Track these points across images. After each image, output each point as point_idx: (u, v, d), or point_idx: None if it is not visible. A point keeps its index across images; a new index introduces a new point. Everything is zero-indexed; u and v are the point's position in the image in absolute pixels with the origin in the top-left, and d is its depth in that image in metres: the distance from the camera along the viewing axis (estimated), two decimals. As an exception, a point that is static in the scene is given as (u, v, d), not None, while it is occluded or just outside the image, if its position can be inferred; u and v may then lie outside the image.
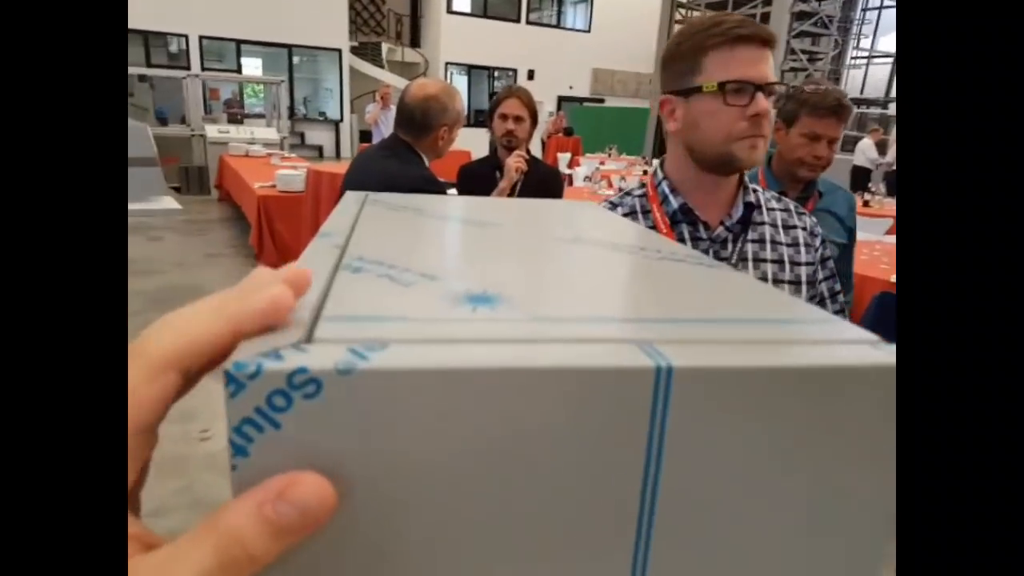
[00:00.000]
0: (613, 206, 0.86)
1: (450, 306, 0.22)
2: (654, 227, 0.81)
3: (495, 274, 0.27)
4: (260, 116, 9.36)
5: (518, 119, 1.76)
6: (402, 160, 1.46)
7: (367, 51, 12.47)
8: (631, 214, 0.84)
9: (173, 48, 10.30)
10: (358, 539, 0.17)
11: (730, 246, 0.82)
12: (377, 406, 0.16)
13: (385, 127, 6.08)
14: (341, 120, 11.98)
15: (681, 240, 0.80)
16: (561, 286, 0.27)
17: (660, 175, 0.84)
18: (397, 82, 9.49)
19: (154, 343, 0.18)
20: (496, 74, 13.54)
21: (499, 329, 0.20)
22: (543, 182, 1.82)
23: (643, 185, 0.86)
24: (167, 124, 7.94)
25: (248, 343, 0.17)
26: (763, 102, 0.73)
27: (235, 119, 8.61)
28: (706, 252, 0.80)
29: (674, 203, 0.81)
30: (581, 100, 13.73)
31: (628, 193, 0.87)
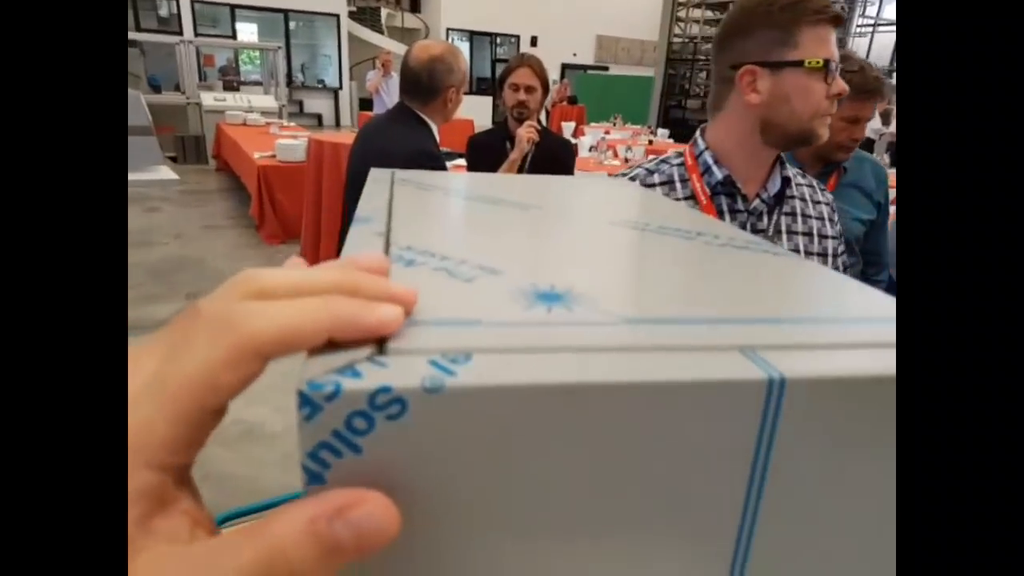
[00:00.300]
0: (649, 172, 0.84)
1: (522, 306, 0.20)
2: (692, 196, 0.80)
3: (557, 266, 0.25)
4: (257, 84, 9.17)
5: (529, 89, 1.71)
6: (410, 130, 1.42)
7: (366, 16, 12.18)
8: (668, 183, 0.83)
9: (163, 12, 10.03)
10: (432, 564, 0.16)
11: (766, 219, 0.81)
12: (470, 426, 0.15)
13: (387, 95, 5.96)
14: (340, 88, 11.76)
15: (720, 211, 0.79)
16: (630, 279, 0.25)
17: (702, 145, 0.82)
18: (397, 48, 9.29)
19: (248, 327, 0.15)
20: (499, 40, 13.27)
21: (585, 334, 0.18)
22: (554, 153, 1.78)
23: (680, 154, 0.85)
24: (160, 92, 7.79)
25: (316, 355, 0.15)
26: (842, 82, 0.75)
27: (231, 87, 8.44)
28: (743, 225, 0.79)
29: (718, 174, 0.80)
30: (585, 68, 13.48)
31: (665, 160, 0.85)
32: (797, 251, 0.81)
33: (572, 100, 8.59)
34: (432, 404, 0.14)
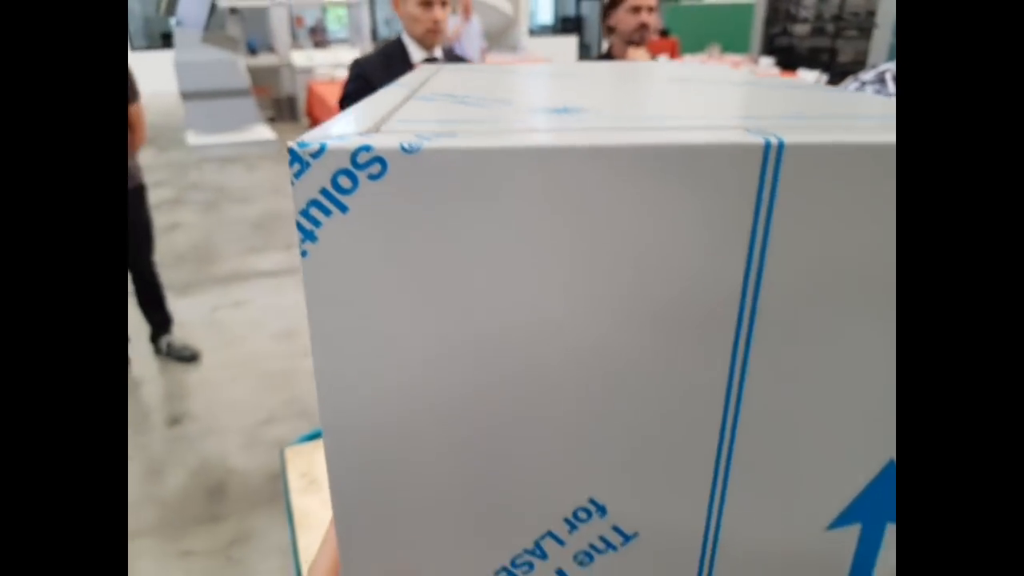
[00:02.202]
0: (863, 84, 0.81)
1: (526, 114, 0.20)
2: None
3: (579, 95, 0.25)
4: (344, 41, 9.38)
5: (651, 9, 1.62)
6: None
7: (446, -36, 11.99)
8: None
9: (259, -23, 10.41)
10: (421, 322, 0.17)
11: None
12: (448, 187, 0.15)
13: (467, 41, 5.91)
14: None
15: None
16: (653, 102, 0.25)
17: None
18: (477, -6, 9.12)
19: None
20: (581, -23, 12.68)
21: (583, 123, 0.18)
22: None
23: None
24: (256, 55, 8.15)
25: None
26: None
27: (321, 45, 8.70)
28: None
29: None
30: None
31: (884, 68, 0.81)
32: None
33: (664, 33, 8.12)
34: (410, 164, 0.15)
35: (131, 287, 2.07)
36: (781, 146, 0.15)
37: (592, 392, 0.18)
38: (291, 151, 0.15)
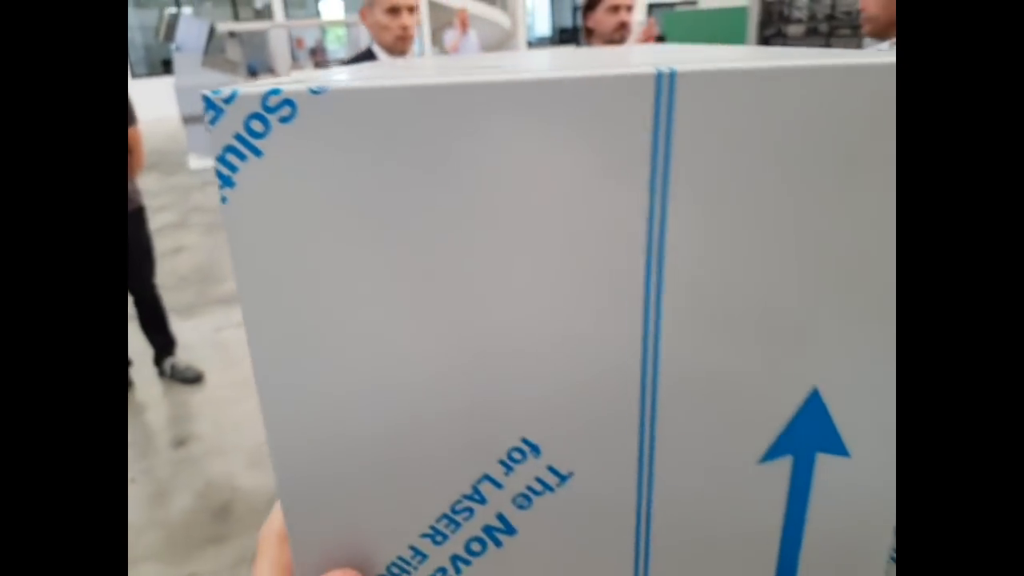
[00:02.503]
0: None
1: (440, 70, 0.20)
2: None
3: (502, 60, 0.25)
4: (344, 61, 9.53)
5: (630, 8, 1.62)
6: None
7: (441, -19, 12.15)
8: None
9: (258, 4, 10.58)
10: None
11: None
12: (357, 126, 0.16)
13: (465, 54, 5.97)
14: (422, 53, 11.93)
15: None
16: (571, 61, 0.25)
17: None
18: (474, 8, 9.23)
19: None
20: (575, -11, 12.81)
21: (489, 72, 0.18)
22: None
23: None
24: (257, 77, 8.27)
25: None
26: None
27: (321, 65, 8.82)
28: None
29: None
30: (672, 5, 12.76)
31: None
32: None
33: (660, 39, 8.20)
34: (319, 105, 0.16)
35: (134, 310, 2.09)
36: (673, 75, 0.16)
37: (515, 334, 0.18)
38: (205, 99, 0.16)
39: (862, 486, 0.20)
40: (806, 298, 0.18)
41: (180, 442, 1.90)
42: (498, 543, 0.20)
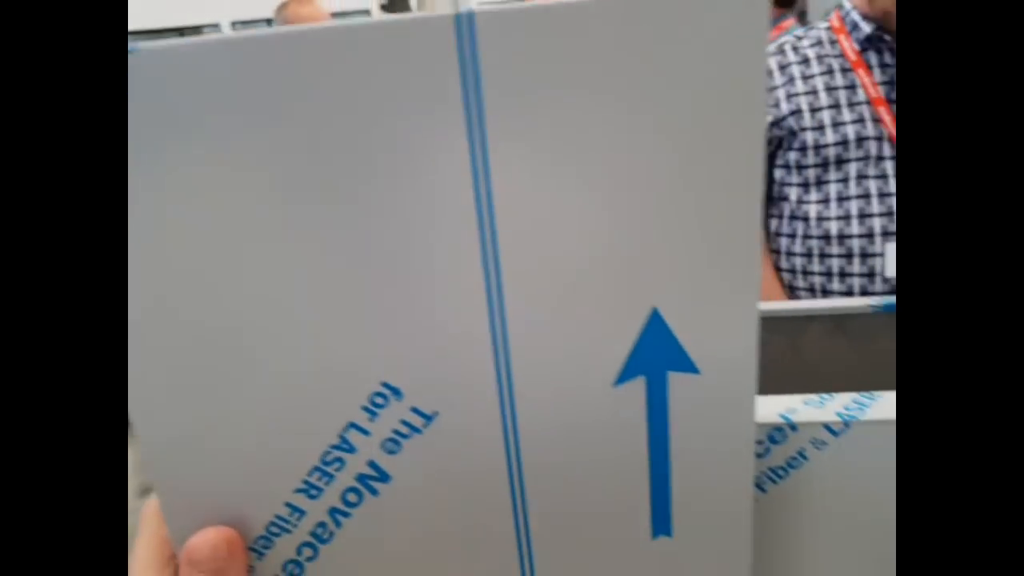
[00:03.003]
0: (799, 38, 0.88)
1: None
2: (841, 55, 0.85)
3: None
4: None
5: None
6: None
7: (396, 8, 12.28)
8: (817, 44, 0.87)
9: (211, 41, 10.57)
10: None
11: None
12: (170, 84, 0.17)
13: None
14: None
15: (869, 66, 0.83)
16: None
17: (848, 6, 0.86)
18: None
19: None
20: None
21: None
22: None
23: (827, 15, 0.89)
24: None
25: None
26: None
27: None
28: (893, 78, 0.83)
29: (866, 28, 0.84)
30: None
31: (815, 26, 0.89)
32: None
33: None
34: (154, 59, 0.16)
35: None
36: (472, 16, 0.17)
37: (362, 278, 0.19)
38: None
39: (718, 403, 0.21)
40: (637, 221, 0.19)
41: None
42: (374, 491, 0.21)
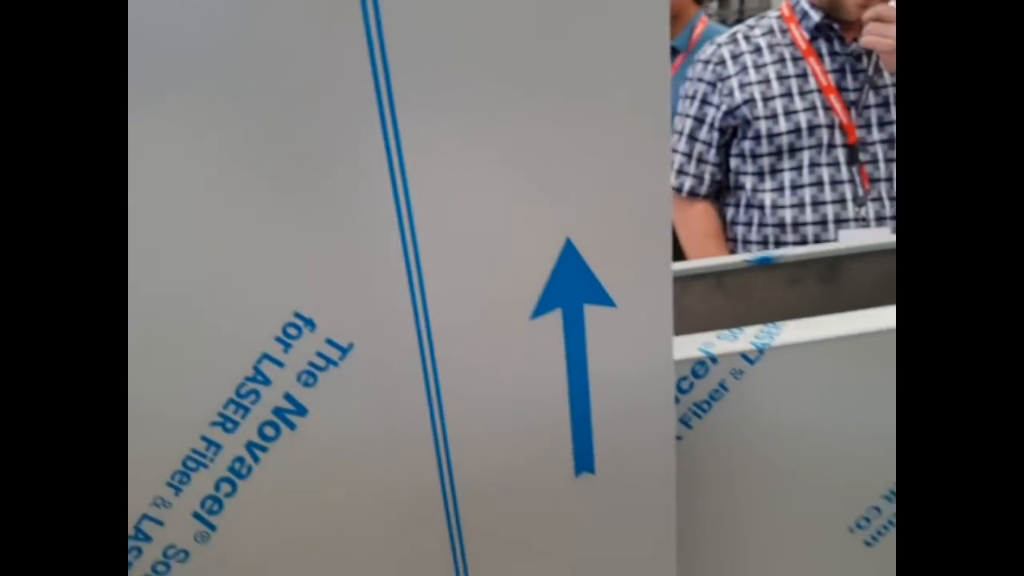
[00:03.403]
0: (750, 27, 0.91)
1: None
2: (792, 44, 0.87)
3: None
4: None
5: None
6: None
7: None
8: (768, 33, 0.90)
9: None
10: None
11: (865, 59, 0.87)
12: None
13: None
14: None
15: (819, 54, 0.86)
16: None
17: None
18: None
19: None
20: None
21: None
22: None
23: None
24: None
25: None
26: None
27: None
28: (843, 66, 0.85)
29: (815, 17, 0.87)
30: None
31: (765, 15, 0.92)
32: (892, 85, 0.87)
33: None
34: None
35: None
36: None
37: (273, 209, 0.19)
38: None
39: (636, 337, 0.22)
40: (547, 152, 0.19)
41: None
42: (292, 425, 0.21)
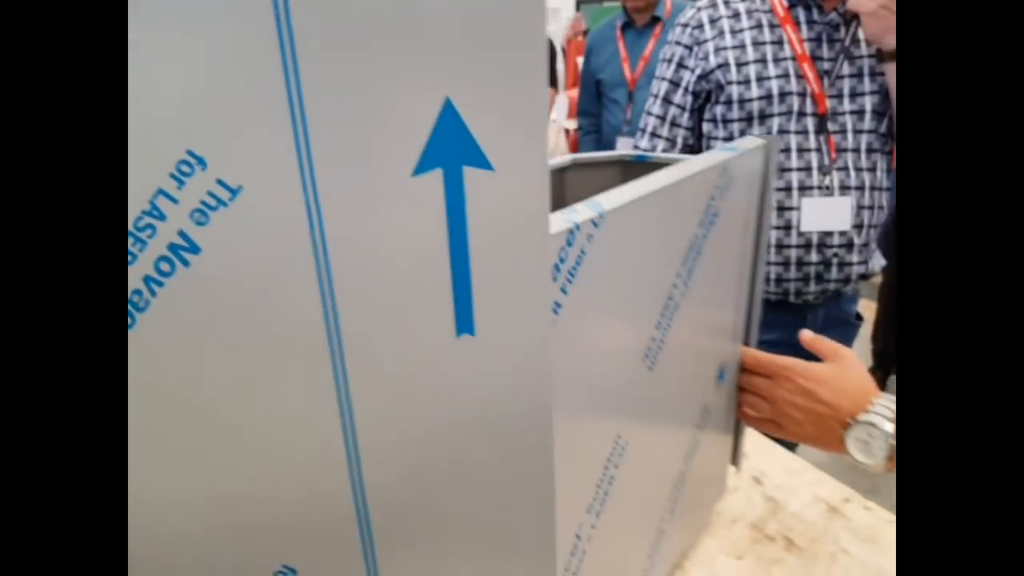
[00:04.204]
0: None
1: None
2: (771, 11, 0.88)
3: None
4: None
5: None
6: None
7: None
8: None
9: None
10: None
11: (843, 29, 0.88)
12: None
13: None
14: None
15: (797, 22, 0.87)
16: None
17: None
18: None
19: None
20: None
21: None
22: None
23: None
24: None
25: None
26: None
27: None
28: (819, 35, 0.87)
29: None
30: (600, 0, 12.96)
31: None
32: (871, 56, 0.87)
33: (586, 33, 8.34)
34: None
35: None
36: None
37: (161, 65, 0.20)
38: None
39: (513, 203, 0.23)
40: (430, 15, 0.21)
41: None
42: (186, 263, 0.22)
